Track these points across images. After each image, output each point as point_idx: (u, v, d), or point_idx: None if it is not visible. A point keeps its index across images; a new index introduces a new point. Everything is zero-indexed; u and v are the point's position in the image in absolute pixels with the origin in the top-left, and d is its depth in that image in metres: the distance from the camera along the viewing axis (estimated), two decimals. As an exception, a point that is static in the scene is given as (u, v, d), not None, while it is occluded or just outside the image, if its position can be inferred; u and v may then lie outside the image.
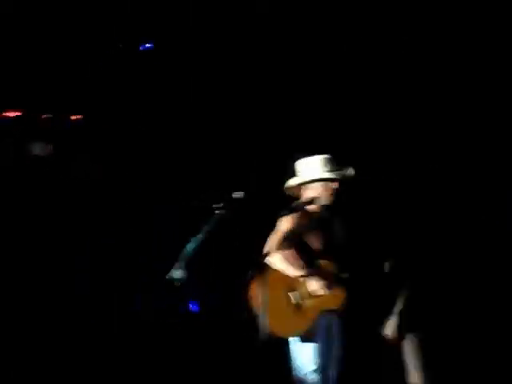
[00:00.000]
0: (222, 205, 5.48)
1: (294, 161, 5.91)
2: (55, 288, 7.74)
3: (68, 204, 7.85)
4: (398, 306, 4.99)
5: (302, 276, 5.56)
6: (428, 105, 7.44)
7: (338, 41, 7.46)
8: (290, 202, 5.82)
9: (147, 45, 7.54)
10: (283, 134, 7.55)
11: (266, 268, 5.45)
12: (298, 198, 5.84)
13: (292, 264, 5.59)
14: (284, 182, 5.92)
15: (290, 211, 5.62)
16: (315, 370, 5.51)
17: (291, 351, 5.62)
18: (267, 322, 5.27)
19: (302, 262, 5.61)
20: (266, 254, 5.59)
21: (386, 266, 5.48)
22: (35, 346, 7.63)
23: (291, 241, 5.62)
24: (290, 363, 5.63)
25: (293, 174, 5.91)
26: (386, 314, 5.06)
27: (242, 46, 7.61)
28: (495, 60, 7.20)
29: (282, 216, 5.68)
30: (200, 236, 5.39)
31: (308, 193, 5.76)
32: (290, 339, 5.63)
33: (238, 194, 5.51)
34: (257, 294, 5.55)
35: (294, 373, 5.61)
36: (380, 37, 7.48)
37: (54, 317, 7.72)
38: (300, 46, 7.50)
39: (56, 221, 7.83)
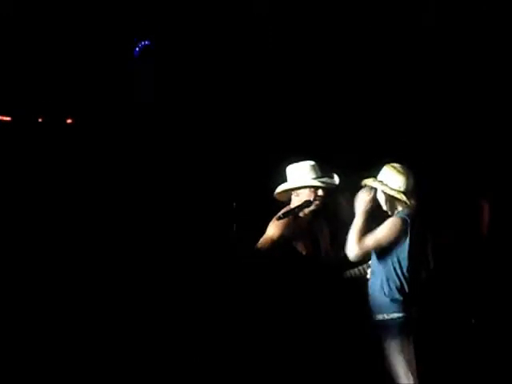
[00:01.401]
0: None
1: (286, 166, 5.92)
2: (55, 288, 7.78)
3: (68, 204, 7.89)
4: None
5: None
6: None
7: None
8: (280, 207, 5.85)
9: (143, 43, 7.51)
10: (276, 138, 7.58)
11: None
12: (287, 203, 5.85)
13: None
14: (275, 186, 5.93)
15: (280, 217, 5.65)
16: None
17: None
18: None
19: None
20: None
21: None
22: (35, 346, 7.69)
23: (278, 246, 5.61)
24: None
25: (284, 179, 5.92)
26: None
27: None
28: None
29: (272, 221, 5.72)
30: None
31: (296, 199, 5.77)
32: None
33: None
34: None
35: None
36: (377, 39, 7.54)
37: (54, 316, 7.77)
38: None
39: (56, 220, 7.86)
